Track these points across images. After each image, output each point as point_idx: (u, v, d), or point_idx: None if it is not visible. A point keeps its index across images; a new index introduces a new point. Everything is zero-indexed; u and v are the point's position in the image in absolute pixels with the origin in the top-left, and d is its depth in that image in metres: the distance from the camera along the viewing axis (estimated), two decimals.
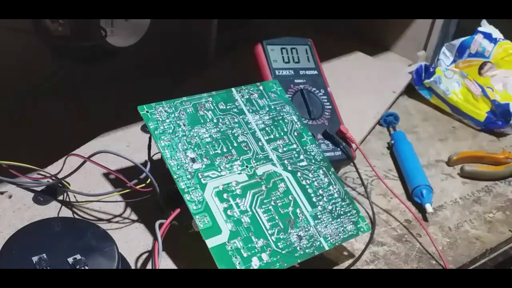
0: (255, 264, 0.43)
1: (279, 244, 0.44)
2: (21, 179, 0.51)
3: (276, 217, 0.46)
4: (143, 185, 0.47)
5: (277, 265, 0.43)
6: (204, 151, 0.47)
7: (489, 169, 0.65)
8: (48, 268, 0.40)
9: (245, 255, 0.43)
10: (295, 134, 0.52)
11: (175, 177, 0.44)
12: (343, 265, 0.51)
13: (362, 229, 0.49)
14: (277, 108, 0.53)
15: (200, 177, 0.45)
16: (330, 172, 0.51)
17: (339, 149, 0.57)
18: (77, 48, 0.59)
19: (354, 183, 0.61)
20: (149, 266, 0.46)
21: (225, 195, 0.45)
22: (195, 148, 0.47)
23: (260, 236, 0.44)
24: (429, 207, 0.57)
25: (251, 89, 0.53)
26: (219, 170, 0.46)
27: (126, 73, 0.66)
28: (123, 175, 0.46)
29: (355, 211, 0.50)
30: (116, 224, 0.50)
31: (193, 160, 0.46)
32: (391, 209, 0.58)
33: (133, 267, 0.46)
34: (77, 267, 0.40)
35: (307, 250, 0.45)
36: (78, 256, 0.41)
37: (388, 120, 0.71)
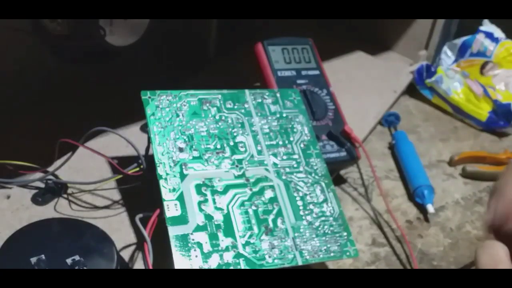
0: (214, 261, 0.42)
1: (246, 248, 0.44)
2: (19, 179, 0.51)
3: (252, 221, 0.45)
4: (137, 169, 0.48)
5: (238, 268, 0.42)
6: (195, 143, 0.47)
7: (491, 169, 0.65)
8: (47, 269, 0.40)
9: (205, 250, 0.42)
10: (302, 145, 0.51)
11: (156, 162, 0.44)
12: (344, 265, 0.51)
13: (347, 253, 0.46)
14: (289, 117, 0.52)
15: (183, 167, 0.45)
16: (329, 190, 0.49)
17: (344, 149, 0.56)
18: (76, 47, 0.59)
19: (355, 183, 0.61)
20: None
21: (203, 189, 0.45)
22: (187, 139, 0.47)
23: (229, 236, 0.44)
24: (430, 208, 0.57)
25: (266, 93, 0.53)
26: (205, 164, 0.46)
27: (125, 72, 0.66)
28: (117, 162, 0.47)
29: (345, 234, 0.47)
30: (115, 224, 0.50)
31: (180, 150, 0.46)
32: (393, 209, 0.58)
33: (132, 267, 0.46)
34: (76, 268, 0.40)
35: (276, 261, 0.44)
36: (76, 257, 0.41)
37: (389, 120, 0.70)
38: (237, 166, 0.47)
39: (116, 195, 0.52)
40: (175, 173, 0.45)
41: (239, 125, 0.50)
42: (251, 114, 0.51)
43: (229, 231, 0.44)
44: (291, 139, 0.51)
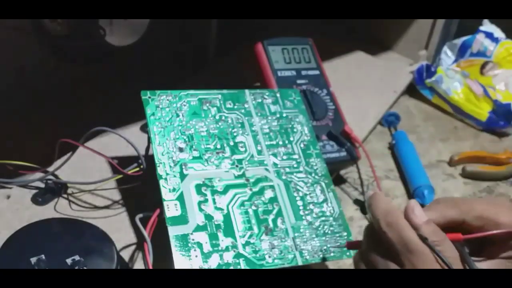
0: (214, 261, 0.42)
1: (246, 248, 0.44)
2: (19, 179, 0.51)
3: (252, 221, 0.45)
4: (137, 168, 0.48)
5: (238, 268, 0.43)
6: (195, 143, 0.47)
7: (490, 169, 0.65)
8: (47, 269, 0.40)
9: (205, 250, 0.42)
10: (302, 145, 0.51)
11: (156, 162, 0.44)
12: (344, 265, 0.51)
13: (347, 253, 0.47)
14: (289, 117, 0.52)
15: (183, 167, 0.45)
16: (329, 189, 0.50)
17: (344, 149, 0.56)
18: (76, 47, 0.59)
19: (355, 183, 0.61)
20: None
21: (203, 189, 0.45)
22: (187, 139, 0.47)
23: (229, 236, 0.44)
24: None
25: (266, 93, 0.53)
26: (205, 164, 0.46)
27: (125, 72, 0.66)
28: (117, 162, 0.47)
29: (345, 233, 0.48)
30: (115, 224, 0.49)
31: (180, 150, 0.46)
32: None
33: (132, 267, 0.46)
34: (76, 268, 0.40)
35: (276, 261, 0.44)
36: (76, 257, 0.41)
37: (389, 120, 0.70)
38: (237, 166, 0.47)
39: (116, 195, 0.52)
40: (175, 173, 0.45)
41: (239, 125, 0.50)
42: (251, 114, 0.51)
43: (229, 231, 0.44)
44: (291, 139, 0.51)
